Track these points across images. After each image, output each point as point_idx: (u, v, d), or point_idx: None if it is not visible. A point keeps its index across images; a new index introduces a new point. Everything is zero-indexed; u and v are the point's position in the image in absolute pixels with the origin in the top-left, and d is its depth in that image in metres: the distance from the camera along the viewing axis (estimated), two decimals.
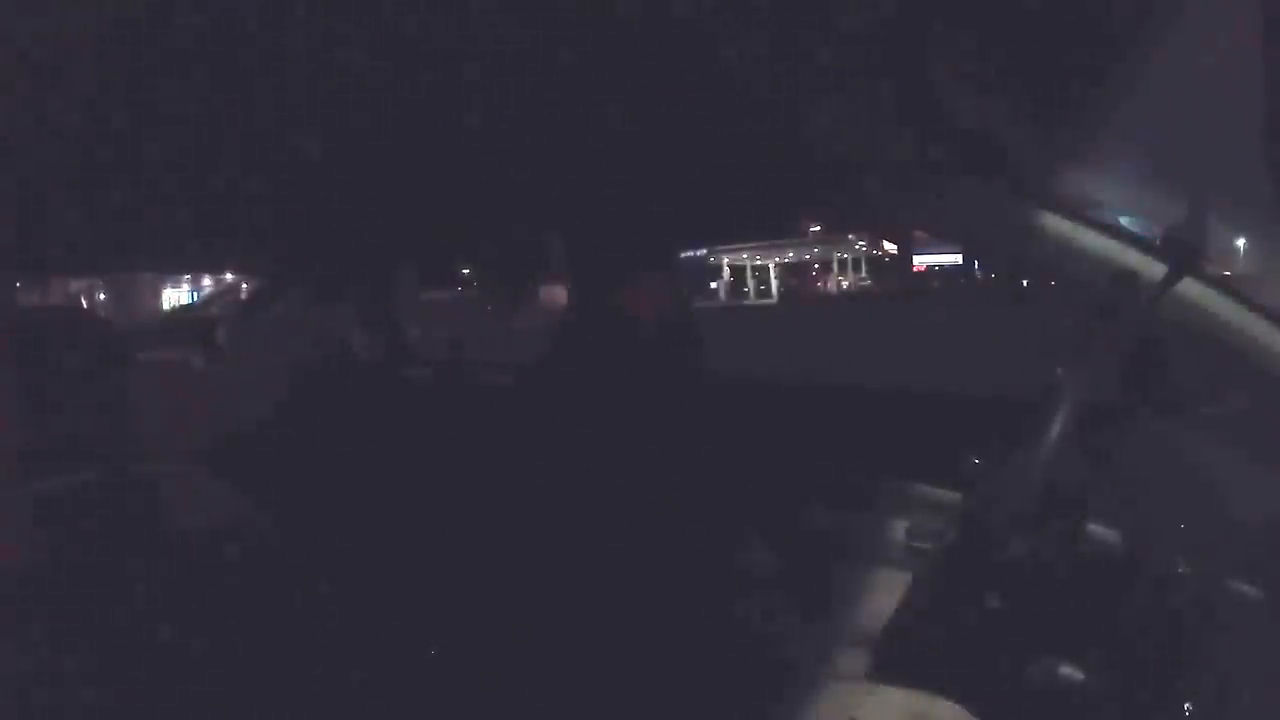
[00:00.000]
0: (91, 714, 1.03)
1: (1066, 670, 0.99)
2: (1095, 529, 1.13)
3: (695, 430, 1.74)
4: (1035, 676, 1.00)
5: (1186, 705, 0.93)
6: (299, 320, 2.36)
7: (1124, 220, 1.17)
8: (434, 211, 1.89)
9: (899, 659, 1.13)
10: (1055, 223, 1.14)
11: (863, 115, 1.13)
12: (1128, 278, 1.05)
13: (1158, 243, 1.08)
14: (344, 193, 1.57)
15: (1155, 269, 1.05)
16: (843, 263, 37.53)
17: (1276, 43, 0.82)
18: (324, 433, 1.97)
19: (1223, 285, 1.11)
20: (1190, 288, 1.07)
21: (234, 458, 1.45)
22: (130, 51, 0.82)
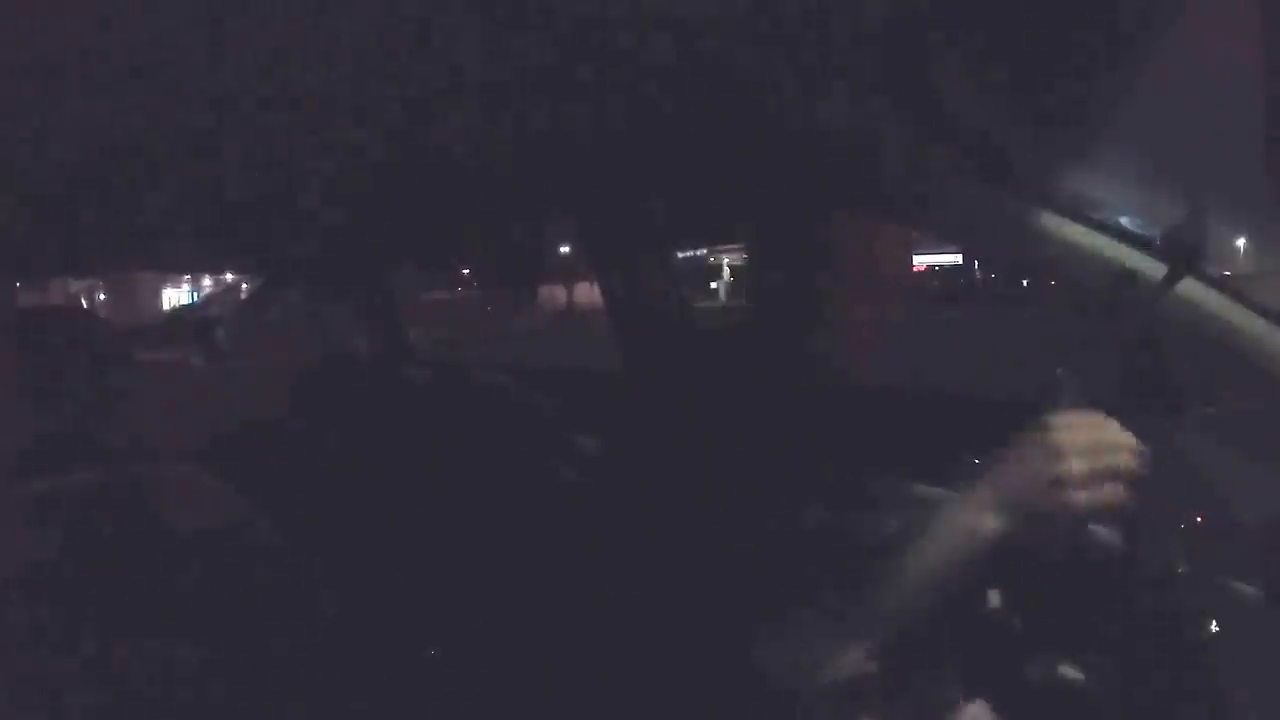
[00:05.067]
0: (91, 714, 1.03)
1: (1066, 670, 0.99)
2: (1095, 529, 1.13)
3: (696, 430, 1.74)
4: (1035, 676, 1.00)
5: (1187, 705, 0.93)
6: (299, 320, 2.36)
7: (1124, 220, 1.17)
8: (434, 211, 1.89)
9: (898, 659, 1.13)
10: (1055, 223, 1.14)
11: (862, 115, 1.13)
12: (1128, 278, 1.05)
13: (1158, 243, 1.08)
14: (344, 192, 1.57)
15: (1155, 269, 1.05)
16: None
17: (1277, 43, 0.82)
18: (324, 433, 1.97)
19: (1223, 285, 1.11)
20: (1190, 288, 1.07)
21: (234, 458, 1.45)
22: (129, 50, 0.82)
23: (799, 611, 1.13)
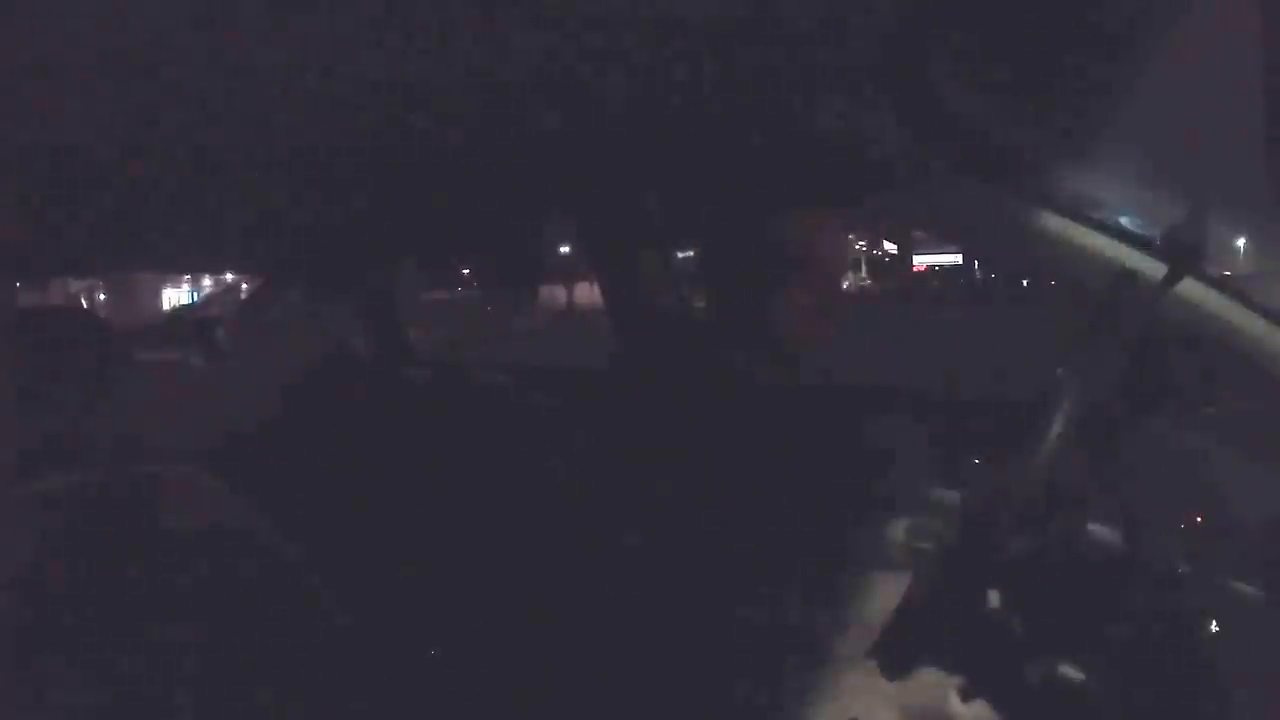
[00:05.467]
0: (91, 714, 1.03)
1: (1066, 670, 0.99)
2: (1095, 529, 1.13)
3: (695, 430, 1.74)
4: (1035, 676, 1.00)
5: (1187, 705, 0.93)
6: (299, 320, 2.35)
7: (1124, 220, 1.17)
8: (434, 211, 1.89)
9: (899, 659, 1.13)
10: (1055, 223, 1.14)
11: (862, 115, 1.13)
12: (1128, 278, 1.05)
13: (1158, 243, 1.08)
14: (344, 192, 1.57)
15: (1155, 269, 1.05)
16: None
17: (1277, 42, 0.82)
18: (324, 433, 1.97)
19: (1223, 285, 1.11)
20: (1190, 288, 1.07)
21: (234, 458, 1.45)
22: (129, 50, 0.82)
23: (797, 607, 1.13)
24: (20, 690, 1.01)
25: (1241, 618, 0.98)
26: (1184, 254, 1.01)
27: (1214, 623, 0.95)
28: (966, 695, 1.05)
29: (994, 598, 1.06)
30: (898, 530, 1.65)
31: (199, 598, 1.13)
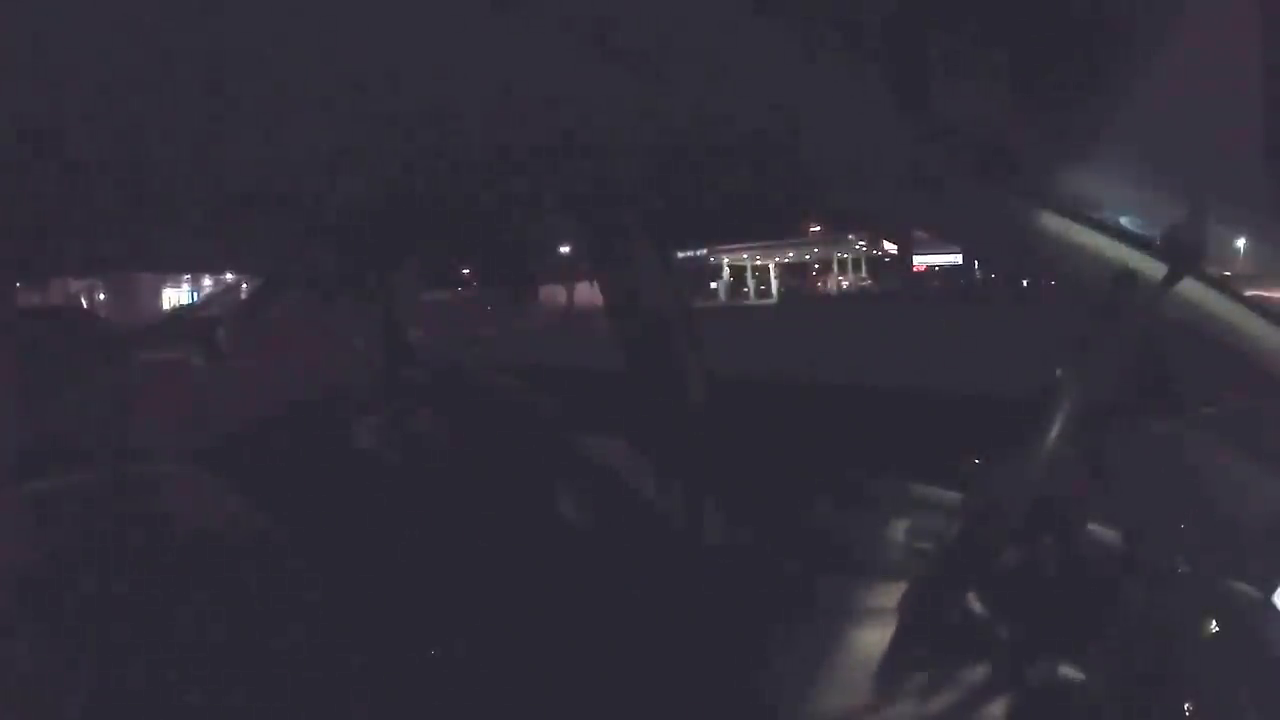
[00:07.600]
0: (91, 713, 1.03)
1: (1066, 670, 0.99)
2: (1095, 529, 1.13)
3: (696, 430, 1.74)
4: (1035, 676, 1.01)
5: (1186, 705, 0.93)
6: (299, 320, 2.35)
7: (1124, 220, 1.17)
8: (435, 211, 1.89)
9: (899, 658, 1.13)
10: (1055, 223, 1.14)
11: (862, 116, 1.13)
12: (1128, 278, 1.05)
13: (1158, 243, 1.08)
14: (344, 193, 1.57)
15: (1155, 269, 1.05)
16: (843, 263, 37.68)
17: (1276, 43, 0.82)
18: (324, 433, 1.97)
19: (1223, 285, 1.11)
20: (1190, 288, 1.07)
21: (234, 458, 1.45)
22: (131, 50, 0.82)
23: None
24: (20, 690, 1.01)
25: (1241, 618, 0.98)
26: (1184, 254, 1.01)
27: (1214, 623, 0.95)
28: (967, 695, 1.05)
29: (993, 598, 1.06)
30: (898, 530, 1.66)
31: (199, 597, 1.13)
